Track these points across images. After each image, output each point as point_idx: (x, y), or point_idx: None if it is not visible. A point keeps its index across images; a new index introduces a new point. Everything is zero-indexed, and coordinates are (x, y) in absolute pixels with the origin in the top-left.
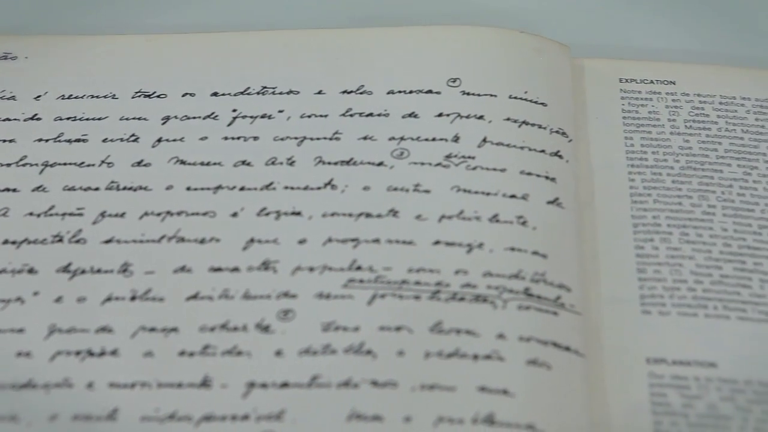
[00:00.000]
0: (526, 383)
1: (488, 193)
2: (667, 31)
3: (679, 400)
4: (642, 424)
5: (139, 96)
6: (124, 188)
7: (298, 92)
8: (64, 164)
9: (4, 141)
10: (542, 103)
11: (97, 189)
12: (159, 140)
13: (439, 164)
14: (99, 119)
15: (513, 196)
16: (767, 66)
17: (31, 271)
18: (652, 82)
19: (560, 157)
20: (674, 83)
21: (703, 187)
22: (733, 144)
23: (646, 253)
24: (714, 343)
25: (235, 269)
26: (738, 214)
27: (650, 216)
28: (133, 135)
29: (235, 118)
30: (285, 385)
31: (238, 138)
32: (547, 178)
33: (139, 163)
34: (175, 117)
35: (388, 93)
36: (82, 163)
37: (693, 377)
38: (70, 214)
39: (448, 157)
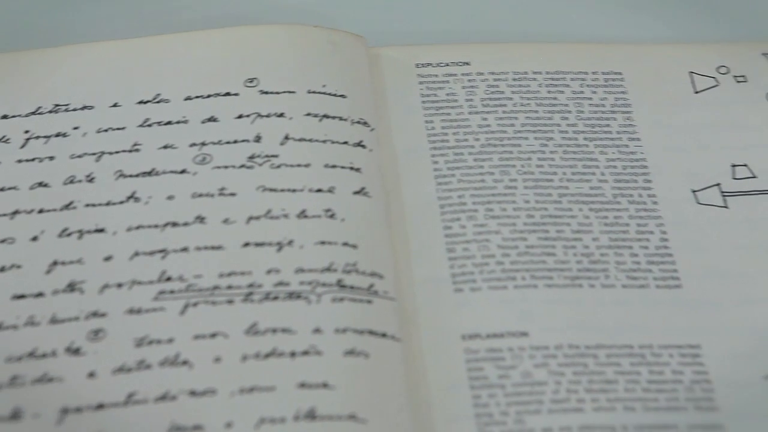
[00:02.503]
0: (345, 374)
1: (294, 190)
2: (459, 12)
3: (496, 372)
4: (461, 400)
5: None
6: None
7: (93, 107)
8: None
9: None
10: (341, 95)
11: None
12: None
13: (242, 166)
14: None
15: (319, 190)
16: (554, 40)
17: None
18: (447, 64)
19: (363, 146)
20: (469, 64)
21: (504, 162)
22: (528, 118)
23: (455, 232)
24: (525, 312)
25: (40, 294)
26: (538, 185)
27: (456, 196)
28: None
29: (28, 139)
30: (100, 406)
31: (33, 159)
32: (351, 168)
33: None
34: None
35: (186, 99)
36: None
37: (507, 348)
38: None
39: (252, 157)
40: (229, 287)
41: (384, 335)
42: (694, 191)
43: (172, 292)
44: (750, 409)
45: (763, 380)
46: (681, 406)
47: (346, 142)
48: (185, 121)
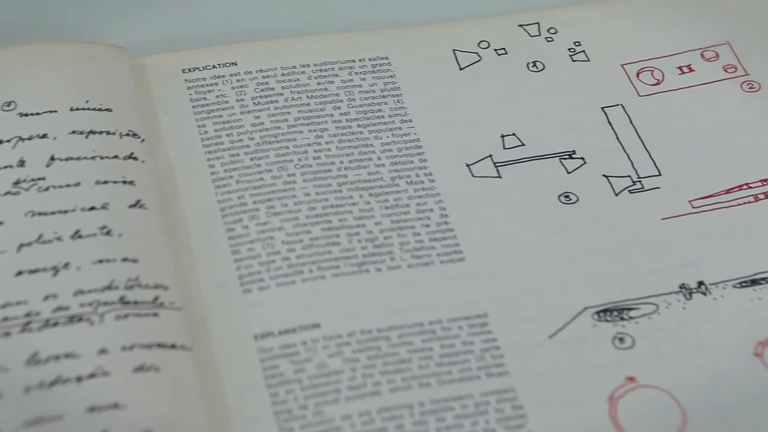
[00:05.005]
0: (136, 391)
1: (66, 211)
2: (223, 15)
3: (291, 368)
4: (259, 401)
5: None
6: None
7: None
8: None
9: None
10: (107, 109)
11: None
12: None
13: (8, 193)
14: None
15: (92, 208)
16: (319, 31)
17: None
18: (214, 66)
19: (135, 158)
20: (236, 64)
21: (281, 158)
22: (301, 111)
23: (238, 233)
24: (315, 304)
25: None
26: (317, 177)
27: (235, 197)
28: None
29: None
30: None
31: None
32: (124, 182)
33: None
34: None
35: None
36: None
37: (300, 342)
38: None
39: (17, 183)
40: (5, 319)
41: (173, 346)
42: (468, 165)
43: None
44: (538, 369)
45: (548, 340)
46: (474, 375)
47: (116, 156)
48: None
